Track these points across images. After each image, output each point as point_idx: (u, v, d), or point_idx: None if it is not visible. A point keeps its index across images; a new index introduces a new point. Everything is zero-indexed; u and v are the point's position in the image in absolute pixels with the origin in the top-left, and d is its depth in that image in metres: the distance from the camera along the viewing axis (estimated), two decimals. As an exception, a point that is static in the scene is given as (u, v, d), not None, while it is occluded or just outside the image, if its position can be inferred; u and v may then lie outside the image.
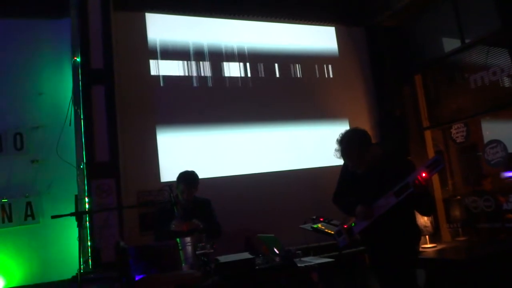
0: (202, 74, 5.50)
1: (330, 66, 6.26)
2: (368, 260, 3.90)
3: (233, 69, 5.68)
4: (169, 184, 4.14)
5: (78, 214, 3.18)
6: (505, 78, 5.10)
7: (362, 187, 3.44)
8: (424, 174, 3.10)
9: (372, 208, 3.32)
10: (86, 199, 4.43)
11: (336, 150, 3.48)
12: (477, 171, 5.71)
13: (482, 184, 5.61)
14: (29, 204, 4.65)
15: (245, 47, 5.80)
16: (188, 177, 4.27)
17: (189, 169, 4.36)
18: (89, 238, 4.37)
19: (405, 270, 3.37)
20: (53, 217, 3.21)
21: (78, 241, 3.26)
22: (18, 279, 4.49)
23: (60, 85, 4.92)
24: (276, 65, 5.93)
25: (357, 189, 3.49)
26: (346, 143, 3.43)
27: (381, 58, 6.34)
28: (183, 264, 3.46)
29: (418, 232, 3.56)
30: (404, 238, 3.37)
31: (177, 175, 4.36)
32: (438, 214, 5.84)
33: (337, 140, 3.50)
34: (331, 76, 6.24)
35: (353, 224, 3.50)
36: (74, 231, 3.30)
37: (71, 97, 4.78)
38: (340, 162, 3.67)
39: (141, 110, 5.10)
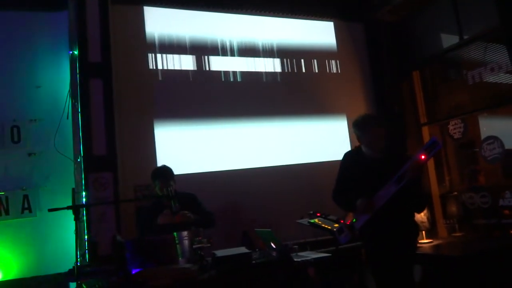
0: (200, 69, 5.49)
1: (328, 62, 6.25)
2: (365, 255, 3.91)
3: (231, 64, 5.66)
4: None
5: (75, 208, 3.17)
6: (503, 74, 5.10)
7: (363, 181, 3.46)
8: (423, 157, 3.14)
9: (372, 201, 3.34)
10: (83, 193, 4.43)
11: (366, 127, 3.51)
12: (474, 167, 5.72)
13: (478, 180, 5.62)
14: (26, 197, 4.64)
15: (243, 42, 5.78)
16: (161, 172, 4.17)
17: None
18: (86, 231, 4.38)
19: (404, 265, 3.39)
20: (50, 210, 3.20)
21: (75, 234, 3.25)
22: (14, 272, 4.49)
23: (57, 78, 4.90)
24: (274, 60, 5.91)
25: (359, 183, 3.50)
26: (378, 123, 3.52)
27: (380, 54, 6.34)
28: (180, 258, 3.47)
29: (417, 228, 3.59)
30: (404, 233, 3.39)
31: (174, 168, 4.32)
32: (434, 210, 5.87)
33: (361, 122, 3.59)
34: (329, 71, 6.23)
35: (354, 220, 3.52)
36: (71, 225, 3.29)
37: (69, 91, 4.77)
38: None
39: (139, 104, 5.09)
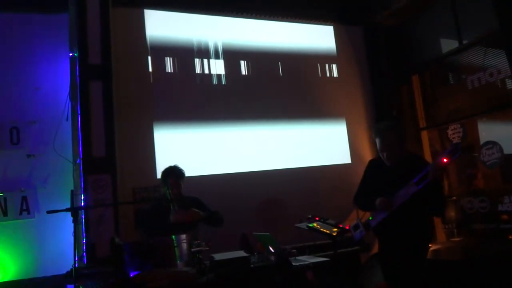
0: (200, 72, 5.50)
1: (327, 65, 6.26)
2: (378, 251, 3.91)
3: (231, 67, 5.67)
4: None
5: (74, 210, 3.17)
6: (502, 79, 5.10)
7: (380, 188, 3.48)
8: (445, 160, 3.22)
9: (392, 199, 3.37)
10: (82, 195, 4.42)
11: (382, 135, 3.54)
12: (473, 172, 5.72)
13: (477, 185, 5.62)
14: (24, 198, 4.64)
15: (244, 45, 5.79)
16: (174, 171, 4.17)
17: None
18: (84, 233, 4.37)
19: (414, 266, 3.41)
20: (49, 212, 3.20)
21: (74, 236, 3.24)
22: (12, 274, 4.48)
23: (57, 80, 4.91)
24: (274, 63, 5.92)
25: (381, 185, 3.52)
26: (387, 129, 3.54)
27: (379, 58, 6.35)
28: (178, 261, 3.45)
29: (431, 233, 3.70)
30: (417, 235, 3.42)
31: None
32: (433, 215, 5.87)
33: (375, 129, 3.64)
34: (328, 75, 6.24)
35: (370, 218, 3.56)
36: (69, 226, 3.29)
37: (69, 92, 4.78)
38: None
39: (138, 106, 5.10)
